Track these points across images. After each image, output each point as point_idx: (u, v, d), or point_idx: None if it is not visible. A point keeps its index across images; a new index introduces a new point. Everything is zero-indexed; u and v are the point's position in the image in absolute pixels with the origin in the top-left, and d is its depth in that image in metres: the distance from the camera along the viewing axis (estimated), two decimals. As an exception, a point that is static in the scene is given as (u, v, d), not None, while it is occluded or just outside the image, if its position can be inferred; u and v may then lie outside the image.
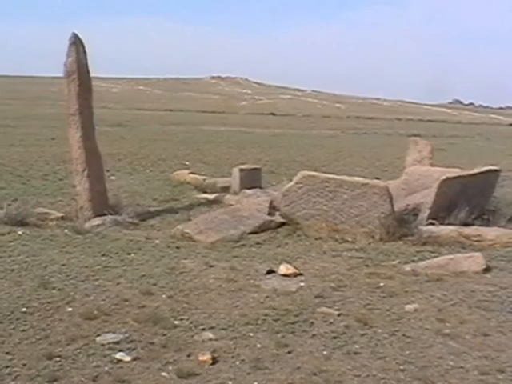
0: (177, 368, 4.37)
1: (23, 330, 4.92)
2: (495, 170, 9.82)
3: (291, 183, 8.86)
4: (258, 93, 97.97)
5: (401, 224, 8.30)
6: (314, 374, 4.34)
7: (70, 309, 5.43)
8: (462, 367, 4.50)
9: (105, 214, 8.91)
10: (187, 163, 16.30)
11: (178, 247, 7.74)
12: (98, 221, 8.76)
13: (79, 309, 5.42)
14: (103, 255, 7.20)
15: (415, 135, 22.16)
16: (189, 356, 4.57)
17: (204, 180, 12.62)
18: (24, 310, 5.34)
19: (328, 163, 17.65)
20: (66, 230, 8.32)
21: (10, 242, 7.59)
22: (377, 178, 11.46)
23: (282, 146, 23.35)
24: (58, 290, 5.90)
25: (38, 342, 4.72)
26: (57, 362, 4.41)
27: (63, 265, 6.72)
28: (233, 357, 4.59)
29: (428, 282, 6.43)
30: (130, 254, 7.32)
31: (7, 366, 4.31)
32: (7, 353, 4.51)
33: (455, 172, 9.55)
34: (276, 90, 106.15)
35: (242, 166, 12.41)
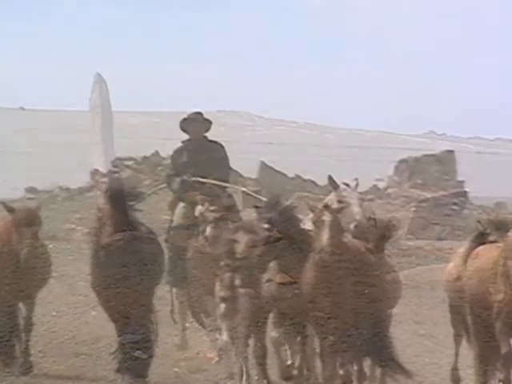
0: (187, 364, 4.37)
1: (53, 332, 4.93)
2: (465, 192, 9.88)
3: (287, 203, 8.87)
4: (258, 124, 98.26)
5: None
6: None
7: (94, 313, 5.42)
8: (436, 363, 4.50)
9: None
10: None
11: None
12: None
13: (102, 313, 5.42)
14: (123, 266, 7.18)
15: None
16: (198, 354, 4.57)
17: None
18: (54, 313, 5.35)
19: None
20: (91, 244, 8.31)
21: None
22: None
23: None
24: (84, 296, 5.90)
25: (67, 342, 4.73)
26: (83, 359, 4.42)
27: (89, 274, 6.71)
28: (236, 354, 4.58)
29: (406, 289, 6.42)
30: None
31: (39, 363, 4.32)
32: (40, 351, 4.52)
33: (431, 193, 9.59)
34: (274, 122, 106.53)
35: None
